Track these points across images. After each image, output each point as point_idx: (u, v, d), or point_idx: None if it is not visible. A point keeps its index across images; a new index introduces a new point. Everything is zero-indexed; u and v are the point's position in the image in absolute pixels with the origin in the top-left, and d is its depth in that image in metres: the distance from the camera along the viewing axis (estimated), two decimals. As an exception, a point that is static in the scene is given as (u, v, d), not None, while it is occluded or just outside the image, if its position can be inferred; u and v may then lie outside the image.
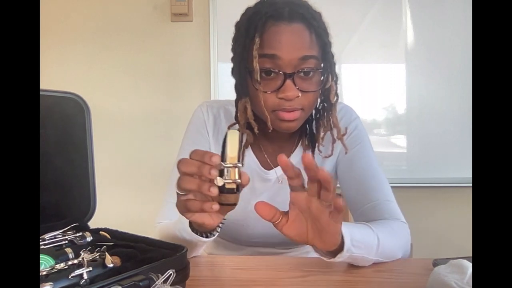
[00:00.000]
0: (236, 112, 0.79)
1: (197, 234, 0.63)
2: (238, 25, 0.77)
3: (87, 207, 0.71)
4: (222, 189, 0.51)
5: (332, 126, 0.80)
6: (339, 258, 0.61)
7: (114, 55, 1.99)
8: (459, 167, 1.87)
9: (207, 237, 0.64)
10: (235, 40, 0.77)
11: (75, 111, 0.70)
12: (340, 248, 0.60)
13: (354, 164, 0.84)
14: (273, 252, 0.92)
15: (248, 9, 0.75)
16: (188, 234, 0.64)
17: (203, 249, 0.76)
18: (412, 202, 1.97)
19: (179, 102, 1.97)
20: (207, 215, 0.57)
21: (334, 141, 0.82)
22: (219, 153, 0.52)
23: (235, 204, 0.53)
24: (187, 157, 0.87)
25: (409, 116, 1.93)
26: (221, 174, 0.51)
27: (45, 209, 0.65)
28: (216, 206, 0.51)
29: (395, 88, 1.93)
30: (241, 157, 0.51)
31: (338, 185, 0.90)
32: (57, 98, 0.69)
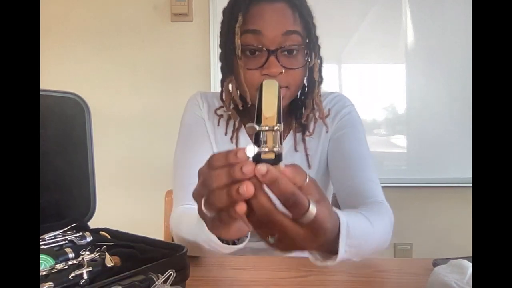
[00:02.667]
0: (221, 92, 0.83)
1: (226, 243, 0.59)
2: (224, 10, 0.80)
3: (87, 207, 0.71)
4: (257, 160, 0.40)
5: (314, 106, 0.81)
6: (331, 262, 0.55)
7: (114, 55, 1.99)
8: (459, 167, 1.87)
9: (233, 243, 0.60)
10: (222, 24, 0.80)
11: (75, 111, 0.70)
12: (333, 251, 0.54)
13: (342, 144, 0.84)
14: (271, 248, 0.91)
15: None
16: (218, 245, 0.59)
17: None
18: (412, 202, 1.97)
19: (179, 102, 1.96)
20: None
21: (315, 121, 0.83)
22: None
23: None
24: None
25: (409, 116, 1.93)
26: (256, 140, 0.41)
27: (45, 209, 0.66)
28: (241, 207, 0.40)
29: (395, 88, 1.94)
30: (281, 116, 0.40)
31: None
32: (57, 98, 0.69)
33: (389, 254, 1.97)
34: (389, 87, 1.93)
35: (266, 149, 0.40)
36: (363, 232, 0.61)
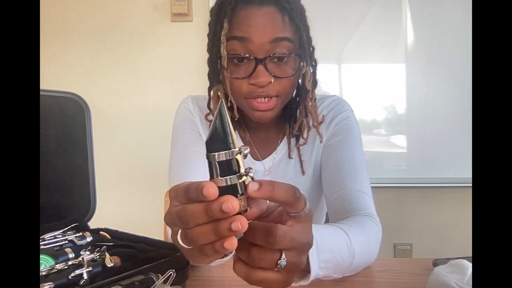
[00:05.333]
0: (209, 101, 0.79)
1: None
2: (211, 10, 0.75)
3: (87, 207, 0.71)
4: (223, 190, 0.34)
5: (307, 113, 0.78)
6: (304, 282, 0.50)
7: (114, 55, 1.99)
8: (459, 167, 1.87)
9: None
10: (209, 26, 0.75)
11: (75, 111, 0.70)
12: (307, 269, 0.50)
13: (335, 151, 0.81)
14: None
15: None
16: None
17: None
18: (412, 202, 1.97)
19: (179, 102, 1.97)
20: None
21: (309, 129, 0.80)
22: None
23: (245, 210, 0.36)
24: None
25: (409, 116, 1.93)
26: (226, 168, 0.34)
27: (45, 209, 0.66)
28: (233, 242, 0.34)
29: (395, 88, 1.94)
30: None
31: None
32: (57, 98, 0.69)
33: (389, 254, 1.97)
34: (389, 87, 1.93)
35: (251, 174, 0.34)
36: (338, 246, 0.57)
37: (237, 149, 0.34)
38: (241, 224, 0.33)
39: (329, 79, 1.94)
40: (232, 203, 0.32)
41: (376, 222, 0.70)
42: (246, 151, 0.34)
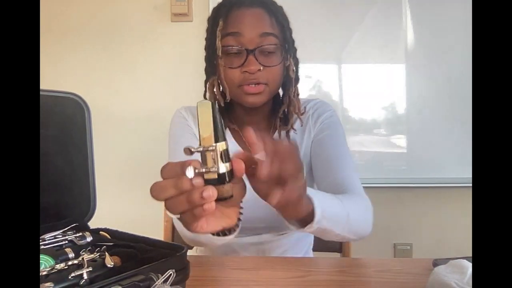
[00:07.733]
0: (205, 92, 0.89)
1: (217, 235, 0.58)
2: (208, 19, 0.87)
3: (87, 207, 0.71)
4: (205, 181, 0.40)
5: (290, 102, 0.87)
6: (308, 229, 0.61)
7: (114, 55, 1.99)
8: (459, 167, 1.87)
9: (225, 235, 0.59)
10: (206, 31, 0.87)
11: (75, 111, 0.70)
12: (310, 218, 0.60)
13: (323, 145, 0.91)
14: (261, 242, 0.91)
15: (218, 4, 0.87)
16: (209, 237, 0.59)
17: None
18: (412, 202, 1.97)
19: (179, 102, 1.96)
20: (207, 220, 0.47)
21: (292, 115, 0.89)
22: None
23: (225, 198, 0.42)
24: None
25: (409, 116, 1.93)
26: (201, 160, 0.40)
27: (45, 209, 0.65)
28: (208, 207, 0.40)
29: (395, 88, 1.93)
30: (220, 135, 0.39)
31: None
32: (57, 98, 0.69)
33: (389, 254, 1.97)
34: (389, 87, 1.93)
35: (203, 170, 0.39)
36: (335, 205, 0.67)
37: (197, 147, 0.40)
38: (212, 192, 0.39)
39: (329, 79, 1.94)
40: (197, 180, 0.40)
41: (365, 197, 0.80)
42: (211, 148, 0.39)
